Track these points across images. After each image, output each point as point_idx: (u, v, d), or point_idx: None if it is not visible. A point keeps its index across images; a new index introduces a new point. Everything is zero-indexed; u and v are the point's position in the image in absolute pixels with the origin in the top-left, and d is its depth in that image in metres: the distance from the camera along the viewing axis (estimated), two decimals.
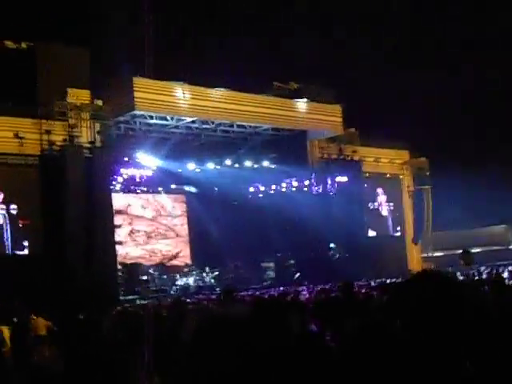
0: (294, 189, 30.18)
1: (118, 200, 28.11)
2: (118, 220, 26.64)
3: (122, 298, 23.14)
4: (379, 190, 32.60)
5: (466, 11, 33.56)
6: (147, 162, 26.24)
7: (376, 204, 32.39)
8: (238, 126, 27.36)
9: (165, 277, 27.67)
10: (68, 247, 21.16)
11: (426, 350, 2.01)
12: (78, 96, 22.68)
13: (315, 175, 29.64)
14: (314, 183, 29.69)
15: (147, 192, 30.62)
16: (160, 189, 30.88)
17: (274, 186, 30.79)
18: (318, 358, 2.91)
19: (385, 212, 32.72)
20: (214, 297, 18.57)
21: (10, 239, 21.42)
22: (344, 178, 29.47)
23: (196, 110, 24.82)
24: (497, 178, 33.52)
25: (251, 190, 31.35)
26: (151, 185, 29.51)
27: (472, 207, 34.78)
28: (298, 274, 28.42)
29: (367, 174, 31.38)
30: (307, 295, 16.12)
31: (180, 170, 28.25)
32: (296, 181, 29.99)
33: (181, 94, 24.04)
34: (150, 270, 27.79)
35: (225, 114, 25.71)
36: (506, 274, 18.29)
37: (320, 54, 32.45)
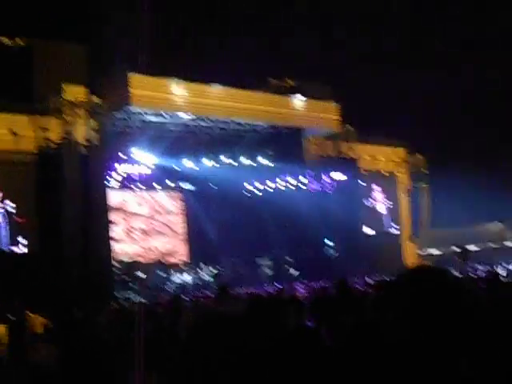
0: (290, 186, 30.17)
1: (114, 197, 28.09)
2: (114, 217, 26.62)
3: (118, 295, 23.13)
4: (376, 188, 32.64)
5: (465, 11, 33.61)
6: (143, 159, 26.22)
7: (372, 201, 32.43)
8: (235, 122, 27.34)
9: (161, 274, 27.65)
10: (64, 245, 21.15)
11: (419, 347, 2.01)
12: (74, 93, 22.64)
13: (312, 172, 29.66)
14: (311, 180, 29.70)
15: (143, 189, 30.59)
16: (156, 186, 30.84)
17: (270, 184, 30.78)
18: (313, 355, 2.92)
19: (381, 209, 32.76)
20: (210, 294, 18.57)
21: (6, 237, 21.41)
22: (340, 176, 29.49)
23: (192, 107, 24.80)
24: (494, 176, 33.60)
25: (248, 187, 31.36)
26: (147, 182, 29.47)
27: (469, 205, 34.85)
28: (295, 271, 28.46)
29: (364, 172, 31.41)
30: (303, 292, 16.14)
31: (176, 167, 28.22)
32: (292, 178, 29.99)
33: (177, 90, 24.02)
34: (147, 268, 27.78)
35: (221, 111, 25.69)
36: (501, 272, 18.34)
37: (319, 52, 32.46)
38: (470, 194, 33.42)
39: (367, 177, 31.73)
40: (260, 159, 29.37)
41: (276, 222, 28.84)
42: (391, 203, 33.10)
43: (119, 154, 25.35)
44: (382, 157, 32.86)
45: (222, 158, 28.73)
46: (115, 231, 26.54)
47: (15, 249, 21.47)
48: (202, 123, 26.70)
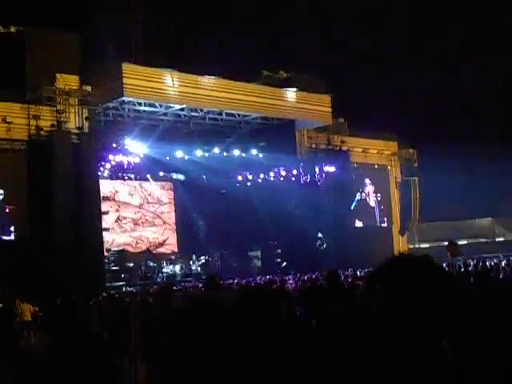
0: (281, 178, 30.20)
1: (106, 186, 28.05)
2: (105, 207, 26.60)
3: (108, 284, 23.14)
4: (367, 181, 32.74)
5: (465, 11, 33.65)
6: (135, 149, 26.16)
7: (363, 194, 32.52)
8: (227, 114, 27.32)
9: (151, 264, 27.67)
10: (55, 233, 21.13)
11: (399, 334, 2.03)
12: (67, 81, 22.58)
13: (303, 165, 29.69)
14: (302, 173, 29.72)
15: (135, 179, 30.55)
16: (148, 176, 30.80)
17: (262, 175, 30.80)
18: (303, 344, 2.94)
19: (372, 203, 32.86)
20: (199, 284, 18.61)
21: None
22: (332, 168, 29.54)
23: (185, 98, 24.75)
24: (486, 171, 33.73)
25: (239, 178, 31.37)
26: (139, 172, 29.42)
27: (460, 199, 35.01)
28: (285, 263, 28.54)
29: (355, 165, 31.49)
30: (293, 284, 16.19)
31: (168, 158, 28.18)
32: (284, 170, 30.02)
33: (170, 81, 23.96)
34: (137, 258, 27.79)
35: (214, 102, 25.65)
36: (490, 266, 18.44)
37: (319, 52, 32.42)
38: (460, 187, 33.58)
39: (359, 170, 31.81)
40: (252, 151, 29.37)
41: (267, 214, 28.86)
42: (382, 196, 33.20)
43: (111, 143, 25.29)
44: (374, 150, 32.94)
45: (214, 149, 28.70)
46: (106, 220, 26.52)
47: (5, 236, 21.44)
48: (195, 114, 26.68)
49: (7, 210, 21.49)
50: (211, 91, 25.14)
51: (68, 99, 22.49)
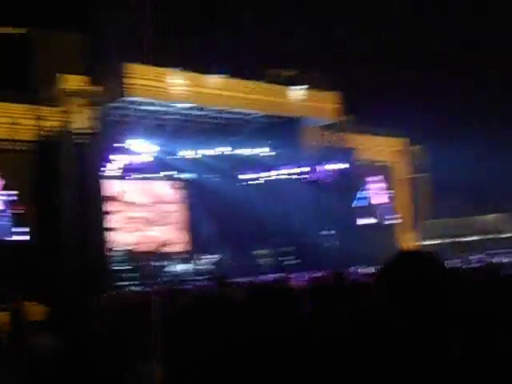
0: (287, 176, 30.20)
1: (112, 186, 28.12)
2: (111, 206, 26.65)
3: (115, 284, 23.18)
4: (374, 178, 32.70)
5: (466, 11, 33.55)
6: (141, 149, 26.19)
7: (370, 192, 32.49)
8: (232, 112, 27.33)
9: (158, 264, 27.69)
10: (61, 233, 21.19)
11: (404, 331, 2.05)
12: (72, 82, 22.64)
13: (308, 162, 29.69)
14: (308, 170, 29.73)
15: (141, 178, 30.60)
16: (154, 175, 30.85)
17: (267, 174, 30.80)
18: (310, 342, 2.96)
19: (379, 200, 32.82)
20: (207, 284, 18.61)
21: (7, 226, 21.45)
22: (337, 166, 29.53)
23: (191, 97, 24.79)
24: (495, 167, 33.66)
25: (245, 176, 31.38)
26: (145, 171, 29.46)
27: (465, 196, 34.93)
28: (291, 262, 28.52)
29: (361, 162, 31.46)
30: (299, 282, 16.17)
31: (174, 157, 28.22)
32: (289, 168, 30.01)
33: (175, 80, 23.99)
34: (144, 257, 27.81)
35: (219, 101, 25.68)
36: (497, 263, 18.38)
37: (319, 52, 32.37)
38: (469, 184, 33.50)
39: (365, 167, 31.79)
40: (258, 149, 29.37)
41: (272, 212, 28.87)
42: (389, 194, 33.17)
43: (117, 143, 25.34)
44: (381, 147, 32.92)
45: (220, 147, 28.71)
46: (113, 220, 26.58)
47: (14, 237, 21.52)
48: (200, 113, 26.70)
49: (15, 212, 21.57)
50: (216, 90, 25.16)
51: (73, 100, 22.54)
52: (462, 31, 34.09)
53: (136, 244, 29.80)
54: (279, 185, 29.83)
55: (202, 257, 28.67)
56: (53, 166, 21.57)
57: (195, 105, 25.65)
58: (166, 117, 26.47)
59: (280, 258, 29.41)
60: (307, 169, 29.69)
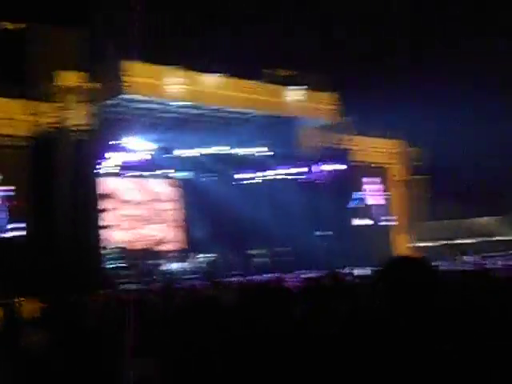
0: (283, 176, 30.22)
1: (108, 184, 28.11)
2: (106, 204, 26.65)
3: (109, 282, 23.16)
4: (369, 179, 32.75)
5: (466, 11, 33.57)
6: (137, 146, 26.17)
7: (365, 193, 32.54)
8: (230, 111, 27.34)
9: (153, 262, 27.69)
10: (56, 230, 21.17)
11: (401, 332, 2.08)
12: (68, 78, 22.61)
13: (305, 163, 29.72)
14: (304, 171, 29.77)
15: (137, 176, 30.59)
16: (149, 173, 30.83)
17: (264, 173, 30.81)
18: (307, 342, 2.97)
19: (374, 201, 32.87)
20: (201, 283, 18.63)
21: (4, 221, 21.43)
22: (333, 167, 29.57)
23: (188, 95, 24.78)
24: (491, 169, 33.72)
25: (241, 176, 31.38)
26: (140, 169, 29.44)
27: (465, 198, 34.97)
28: (286, 261, 28.53)
29: (357, 163, 31.50)
30: (294, 282, 16.19)
31: (170, 155, 28.20)
32: (286, 168, 30.04)
33: (172, 78, 23.98)
34: (139, 255, 27.81)
35: (216, 100, 25.69)
36: (490, 266, 18.44)
37: (319, 52, 32.36)
38: (465, 186, 33.56)
39: (361, 168, 31.84)
40: (254, 148, 29.37)
41: (268, 212, 28.88)
42: (384, 195, 33.23)
43: (113, 140, 25.32)
44: (377, 149, 32.97)
45: (217, 146, 28.70)
46: (108, 218, 26.56)
47: (6, 234, 21.49)
48: (197, 111, 26.69)
49: (10, 207, 21.55)
50: (214, 89, 25.17)
51: (70, 96, 22.52)
52: (461, 31, 34.12)
53: (131, 242, 29.80)
54: (275, 184, 29.84)
55: (197, 255, 28.67)
56: (49, 162, 21.56)
57: (193, 103, 25.64)
58: (164, 115, 26.45)
59: (275, 258, 29.41)
60: (303, 169, 29.73)
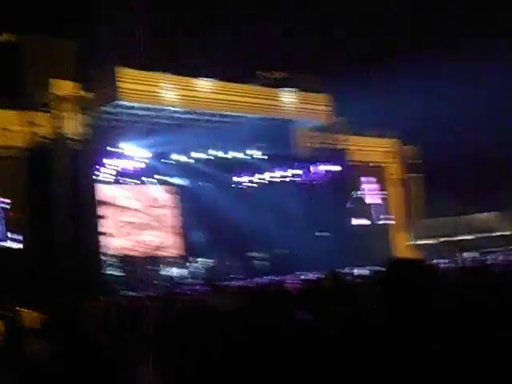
0: (279, 178, 30.21)
1: (105, 191, 28.05)
2: (104, 211, 26.60)
3: (109, 289, 23.13)
4: (366, 179, 32.76)
5: (465, 11, 33.58)
6: (134, 153, 26.15)
7: (363, 193, 32.55)
8: (224, 115, 27.35)
9: (152, 268, 27.67)
10: (54, 239, 21.14)
11: (398, 333, 2.08)
12: (63, 87, 22.61)
13: (301, 164, 29.73)
14: (300, 172, 29.78)
15: (134, 183, 30.55)
16: (147, 179, 30.79)
17: (259, 176, 30.79)
18: (306, 344, 2.96)
19: (371, 201, 32.88)
20: (201, 287, 18.61)
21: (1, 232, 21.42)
22: (330, 167, 29.58)
23: (182, 101, 24.81)
24: (489, 166, 33.72)
25: (237, 179, 31.36)
26: (138, 176, 29.39)
27: (463, 195, 34.94)
28: (284, 264, 28.51)
29: (353, 163, 31.51)
30: (294, 284, 16.18)
31: (167, 161, 28.17)
32: (282, 170, 30.03)
33: (166, 84, 24.01)
34: (138, 261, 27.79)
35: (211, 104, 25.72)
36: (490, 261, 18.42)
37: (319, 52, 32.34)
38: (463, 182, 33.52)
39: (357, 168, 31.85)
40: (249, 152, 29.35)
41: (266, 215, 28.87)
42: (382, 194, 33.24)
43: (109, 148, 25.29)
44: (373, 148, 32.98)
45: (213, 150, 28.67)
46: (106, 225, 26.54)
47: (8, 244, 21.47)
48: (192, 116, 26.70)
49: (8, 218, 21.52)
50: (208, 93, 25.21)
51: (64, 105, 22.52)
52: (461, 31, 34.13)
53: (130, 248, 29.76)
54: (272, 187, 29.84)
55: (196, 260, 28.65)
56: (46, 171, 21.53)
57: (187, 109, 25.65)
58: (159, 121, 26.46)
59: (274, 260, 29.40)
60: (300, 171, 29.73)
